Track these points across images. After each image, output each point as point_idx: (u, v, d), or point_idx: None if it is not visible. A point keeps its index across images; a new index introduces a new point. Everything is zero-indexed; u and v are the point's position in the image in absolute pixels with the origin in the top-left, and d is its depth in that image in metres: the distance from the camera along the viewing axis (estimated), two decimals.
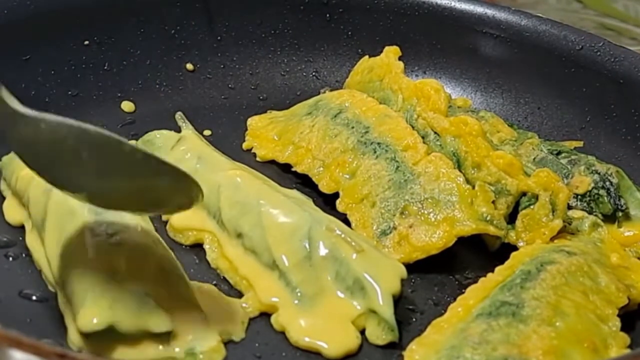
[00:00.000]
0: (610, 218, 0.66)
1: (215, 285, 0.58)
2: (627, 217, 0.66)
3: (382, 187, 0.65)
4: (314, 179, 0.69)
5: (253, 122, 0.79)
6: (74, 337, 0.50)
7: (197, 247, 0.62)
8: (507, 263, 0.59)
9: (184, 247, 0.62)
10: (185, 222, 0.63)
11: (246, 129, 0.78)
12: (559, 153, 0.71)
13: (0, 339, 0.38)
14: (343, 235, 0.57)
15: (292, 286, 0.56)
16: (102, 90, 0.78)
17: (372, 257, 0.57)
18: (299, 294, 0.55)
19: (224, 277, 0.59)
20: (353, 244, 0.57)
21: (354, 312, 0.55)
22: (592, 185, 0.67)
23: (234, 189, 0.62)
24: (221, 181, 0.63)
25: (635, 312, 0.59)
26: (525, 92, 0.83)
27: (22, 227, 0.61)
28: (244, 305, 0.56)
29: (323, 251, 0.57)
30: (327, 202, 0.67)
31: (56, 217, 0.57)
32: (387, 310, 0.54)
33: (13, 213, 0.62)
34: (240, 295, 0.58)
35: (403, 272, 0.56)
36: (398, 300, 0.57)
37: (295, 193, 0.64)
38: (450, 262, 0.63)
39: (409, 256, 0.61)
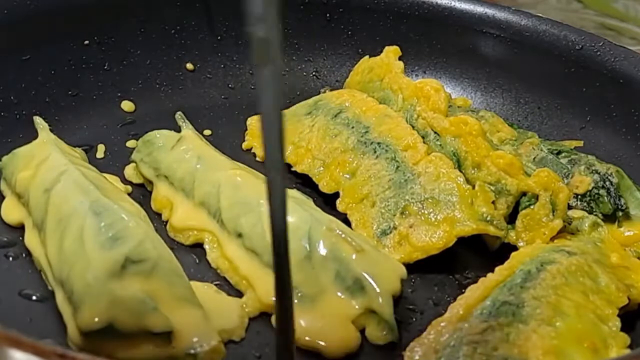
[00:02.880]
0: (610, 218, 0.66)
1: (215, 285, 0.58)
2: (627, 216, 0.66)
3: (382, 187, 0.65)
4: (314, 179, 0.69)
5: (253, 122, 0.79)
6: (73, 336, 0.50)
7: (198, 247, 0.62)
8: (507, 263, 0.59)
9: (184, 247, 0.62)
10: (185, 222, 0.63)
11: (246, 129, 0.78)
12: (559, 153, 0.71)
13: (0, 339, 0.38)
14: (343, 235, 0.57)
15: (292, 286, 0.56)
16: (102, 90, 0.78)
17: (372, 257, 0.57)
18: (299, 294, 0.55)
19: (224, 277, 0.59)
20: (353, 244, 0.57)
21: (354, 312, 0.55)
22: (592, 185, 0.67)
23: (234, 188, 0.62)
24: (221, 181, 0.63)
25: (635, 312, 0.59)
26: (525, 92, 0.83)
27: (22, 228, 0.61)
28: (243, 305, 0.56)
29: (323, 251, 0.57)
30: (327, 202, 0.67)
31: (57, 217, 0.57)
32: (386, 310, 0.54)
33: (12, 213, 0.62)
34: (240, 295, 0.58)
35: (403, 272, 0.57)
36: (398, 300, 0.57)
37: (295, 193, 0.64)
38: (450, 262, 0.63)
39: (409, 256, 0.61)
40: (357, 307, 0.55)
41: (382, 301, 0.55)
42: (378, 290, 0.55)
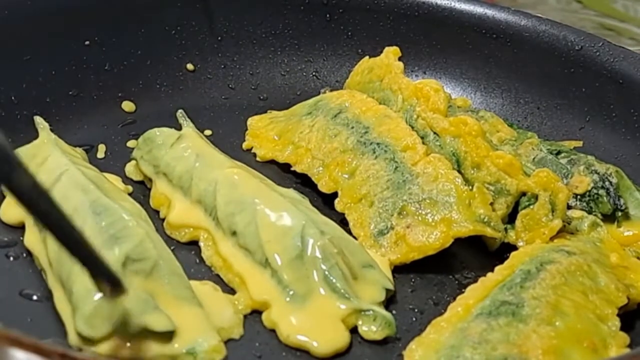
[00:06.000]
0: (609, 218, 0.66)
1: (214, 283, 0.58)
2: (626, 216, 0.66)
3: (381, 187, 0.65)
4: (313, 179, 0.69)
5: (253, 122, 0.79)
6: (72, 336, 0.50)
7: (197, 245, 0.62)
8: (506, 263, 0.59)
9: (184, 245, 0.62)
10: (182, 219, 0.63)
11: (246, 129, 0.78)
12: (558, 153, 0.71)
13: (1, 339, 0.39)
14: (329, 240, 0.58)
15: (283, 284, 0.56)
16: (103, 90, 0.78)
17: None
18: (290, 293, 0.56)
19: (218, 275, 0.59)
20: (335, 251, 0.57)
21: (344, 311, 0.55)
22: (592, 185, 0.67)
23: (230, 186, 0.62)
24: (218, 179, 0.63)
25: (635, 311, 0.59)
26: (525, 92, 0.83)
27: (22, 227, 0.61)
28: (236, 302, 0.56)
29: (315, 251, 0.57)
30: (326, 201, 0.67)
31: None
32: (378, 307, 0.55)
33: (12, 212, 0.62)
34: (233, 292, 0.58)
35: (387, 284, 0.58)
36: (393, 299, 0.58)
37: (291, 192, 0.64)
38: (450, 262, 0.63)
39: (405, 256, 0.61)
40: (346, 306, 0.55)
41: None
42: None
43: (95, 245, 0.53)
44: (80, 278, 0.52)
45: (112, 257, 0.53)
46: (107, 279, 0.48)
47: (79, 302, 0.51)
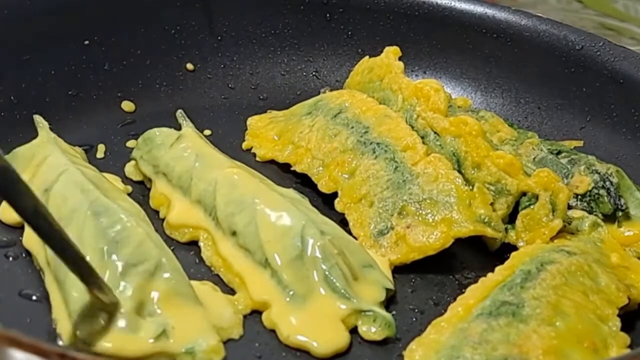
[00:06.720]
0: (610, 218, 0.66)
1: (214, 283, 0.58)
2: (627, 216, 0.66)
3: (381, 187, 0.65)
4: (313, 179, 0.69)
5: (253, 121, 0.79)
6: (66, 337, 0.50)
7: (197, 246, 0.62)
8: (507, 263, 0.59)
9: (183, 245, 0.62)
10: (181, 219, 0.63)
11: (246, 129, 0.78)
12: (559, 153, 0.71)
13: (0, 339, 0.38)
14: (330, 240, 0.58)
15: (283, 284, 0.56)
16: (102, 90, 0.78)
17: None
18: (290, 293, 0.56)
19: (218, 275, 0.59)
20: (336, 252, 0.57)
21: (344, 311, 0.55)
22: (592, 185, 0.67)
23: (230, 186, 0.62)
24: (218, 179, 0.63)
25: (635, 312, 0.59)
26: (525, 92, 0.83)
27: (21, 227, 0.60)
28: (236, 302, 0.56)
29: (315, 251, 0.57)
30: (326, 201, 0.67)
31: (56, 217, 0.56)
32: (378, 307, 0.55)
33: (11, 213, 0.62)
34: (233, 292, 0.58)
35: (388, 284, 0.58)
36: (393, 299, 0.57)
37: (291, 192, 0.64)
38: (450, 262, 0.63)
39: (405, 256, 0.61)
40: (346, 307, 0.55)
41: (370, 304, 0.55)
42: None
43: (94, 249, 0.53)
44: (78, 282, 0.52)
45: (113, 265, 0.52)
46: (100, 289, 0.50)
47: (76, 307, 0.50)
